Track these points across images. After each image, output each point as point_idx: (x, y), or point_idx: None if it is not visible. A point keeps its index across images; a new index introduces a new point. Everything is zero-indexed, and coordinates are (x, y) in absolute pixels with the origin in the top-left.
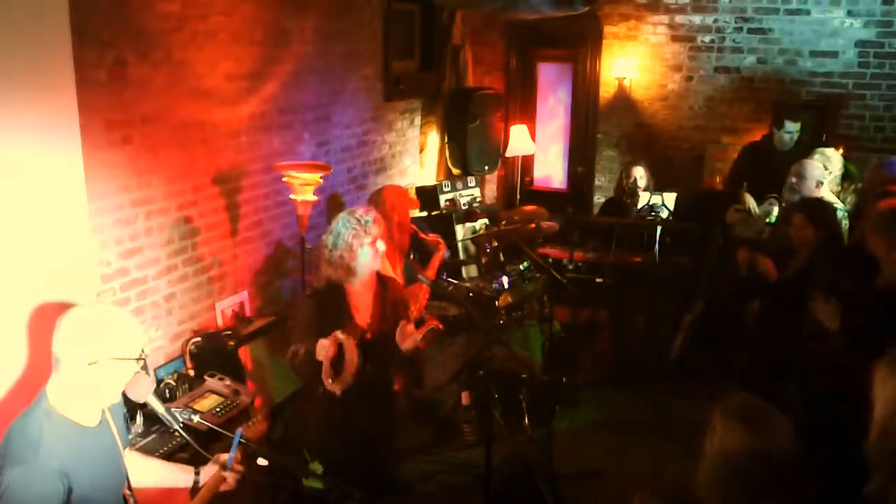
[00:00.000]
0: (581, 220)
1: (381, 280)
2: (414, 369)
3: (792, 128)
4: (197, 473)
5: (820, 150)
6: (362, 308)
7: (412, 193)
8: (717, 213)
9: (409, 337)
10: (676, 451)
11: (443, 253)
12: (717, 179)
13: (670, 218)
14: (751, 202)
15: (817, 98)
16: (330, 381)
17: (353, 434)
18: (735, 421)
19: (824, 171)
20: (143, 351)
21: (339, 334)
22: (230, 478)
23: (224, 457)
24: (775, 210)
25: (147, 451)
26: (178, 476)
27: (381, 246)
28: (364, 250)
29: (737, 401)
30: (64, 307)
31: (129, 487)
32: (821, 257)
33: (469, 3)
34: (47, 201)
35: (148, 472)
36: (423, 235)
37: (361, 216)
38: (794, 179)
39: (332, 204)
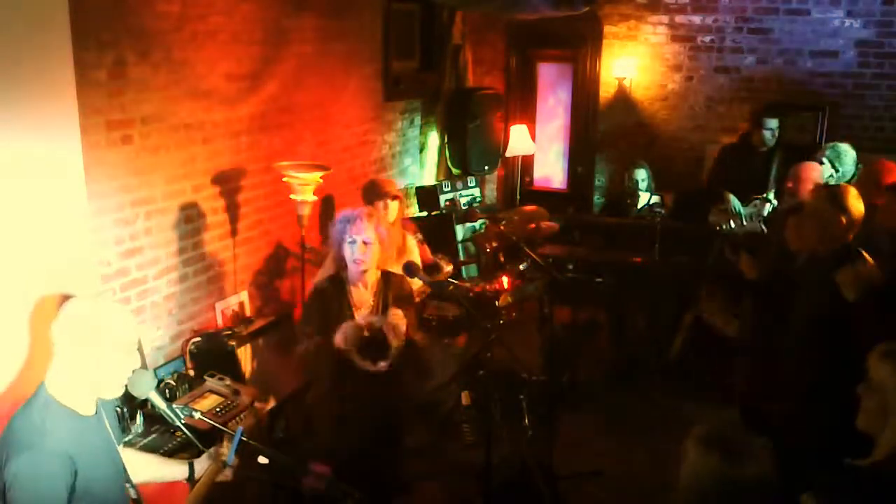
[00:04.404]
0: (581, 220)
1: (385, 276)
2: (415, 364)
3: (771, 125)
4: (191, 465)
5: (832, 145)
6: (363, 305)
7: (412, 193)
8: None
9: (394, 331)
10: (676, 451)
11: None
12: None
13: (666, 216)
14: (733, 202)
15: (820, 98)
16: (369, 362)
17: (365, 430)
18: (706, 447)
19: (827, 171)
20: (138, 344)
21: (364, 318)
22: (229, 471)
23: (224, 453)
24: (766, 208)
25: (147, 450)
26: (173, 469)
27: (366, 239)
28: (346, 247)
29: (709, 428)
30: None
31: (129, 480)
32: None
33: (469, 3)
34: (47, 201)
35: (144, 467)
36: (426, 258)
37: (349, 213)
38: (790, 183)
39: (331, 204)
